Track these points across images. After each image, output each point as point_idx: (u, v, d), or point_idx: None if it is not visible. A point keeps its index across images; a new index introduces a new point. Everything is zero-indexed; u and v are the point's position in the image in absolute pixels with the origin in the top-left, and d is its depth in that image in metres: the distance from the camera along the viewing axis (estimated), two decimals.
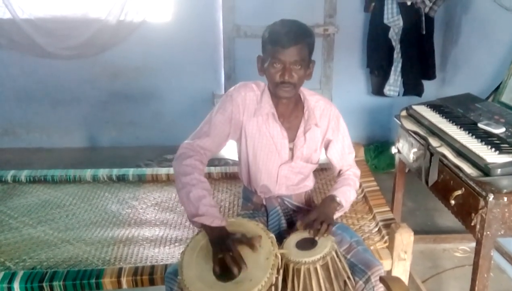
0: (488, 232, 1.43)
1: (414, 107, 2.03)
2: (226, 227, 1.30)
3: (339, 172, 1.67)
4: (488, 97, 2.10)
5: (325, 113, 1.59)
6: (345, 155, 1.64)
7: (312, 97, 1.58)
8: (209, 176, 2.22)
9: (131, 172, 2.24)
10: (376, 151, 3.57)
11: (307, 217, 1.44)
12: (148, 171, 2.26)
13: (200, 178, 1.37)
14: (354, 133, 3.51)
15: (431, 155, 1.71)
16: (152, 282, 1.51)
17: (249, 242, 1.23)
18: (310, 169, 1.66)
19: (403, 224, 1.60)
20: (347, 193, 1.57)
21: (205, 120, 1.53)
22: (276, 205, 1.61)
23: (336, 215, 1.55)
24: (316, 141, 1.59)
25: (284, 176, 1.60)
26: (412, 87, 3.29)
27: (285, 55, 1.39)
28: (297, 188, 1.66)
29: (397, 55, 3.22)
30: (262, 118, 1.52)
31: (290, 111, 1.56)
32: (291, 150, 1.57)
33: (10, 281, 1.47)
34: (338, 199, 1.53)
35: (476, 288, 1.50)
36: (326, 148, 1.64)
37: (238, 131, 1.55)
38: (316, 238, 1.36)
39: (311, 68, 1.50)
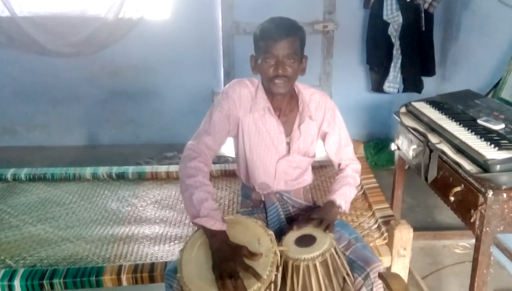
0: (488, 228, 1.43)
1: (414, 104, 2.03)
2: (226, 227, 1.30)
3: (339, 166, 1.67)
4: (487, 94, 2.10)
5: (321, 106, 1.58)
6: (342, 147, 1.64)
7: (307, 91, 1.58)
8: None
9: (130, 169, 2.25)
10: (375, 147, 3.57)
11: (307, 221, 1.43)
12: (148, 169, 2.27)
13: (203, 181, 1.36)
14: (353, 130, 3.52)
15: (431, 151, 1.71)
16: (152, 280, 1.52)
17: (251, 255, 1.23)
18: (308, 163, 1.66)
19: (403, 220, 1.60)
20: (346, 194, 1.56)
21: (204, 120, 1.53)
22: (275, 201, 1.61)
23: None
24: (311, 134, 1.59)
25: (282, 171, 1.60)
26: (411, 84, 3.28)
27: (277, 49, 1.40)
28: (296, 183, 1.65)
29: (396, 51, 3.22)
30: (258, 113, 1.53)
31: (286, 105, 1.55)
32: (288, 144, 1.58)
33: (11, 279, 1.47)
34: (337, 203, 1.53)
35: (476, 284, 1.50)
36: (323, 140, 1.64)
37: (236, 128, 1.56)
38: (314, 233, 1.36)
39: (304, 64, 1.50)
